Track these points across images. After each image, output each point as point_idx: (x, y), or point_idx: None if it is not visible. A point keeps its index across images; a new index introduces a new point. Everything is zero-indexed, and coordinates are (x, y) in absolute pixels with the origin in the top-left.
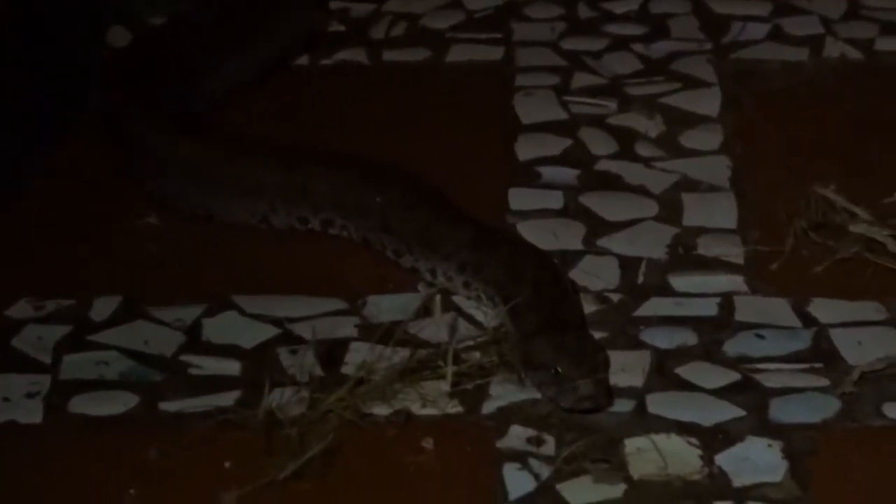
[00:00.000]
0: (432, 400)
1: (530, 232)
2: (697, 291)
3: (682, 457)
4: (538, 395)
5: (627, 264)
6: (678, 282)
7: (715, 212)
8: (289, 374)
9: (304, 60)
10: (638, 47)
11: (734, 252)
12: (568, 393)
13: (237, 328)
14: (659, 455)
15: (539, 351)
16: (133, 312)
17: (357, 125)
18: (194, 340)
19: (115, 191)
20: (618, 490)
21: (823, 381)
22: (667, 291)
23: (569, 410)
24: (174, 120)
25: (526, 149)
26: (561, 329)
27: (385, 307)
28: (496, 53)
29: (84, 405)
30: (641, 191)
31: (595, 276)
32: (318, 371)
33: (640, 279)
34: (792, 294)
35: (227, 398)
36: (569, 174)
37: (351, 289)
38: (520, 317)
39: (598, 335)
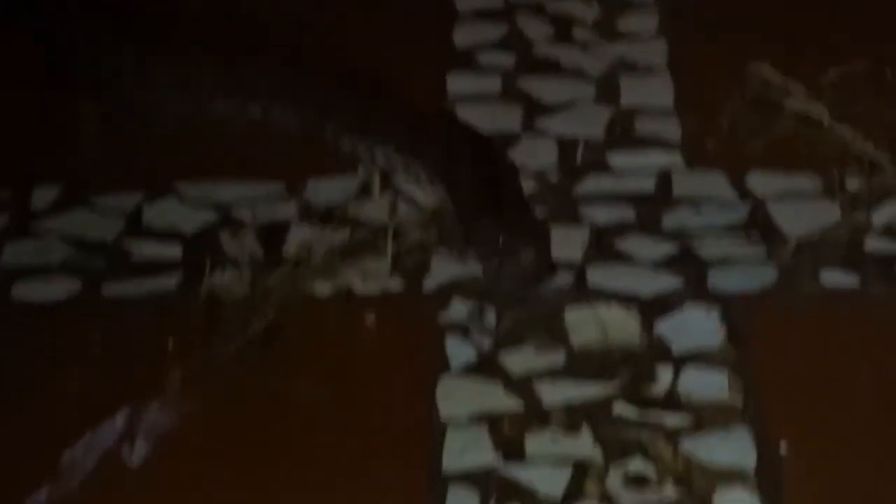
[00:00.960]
0: (373, 278)
1: (469, 115)
2: (636, 168)
3: (621, 326)
4: (479, 271)
5: (565, 145)
6: (616, 159)
7: (652, 92)
8: (230, 257)
9: None
10: None
11: (671, 130)
12: (510, 263)
13: (177, 213)
14: (599, 325)
15: (481, 225)
16: (74, 200)
17: (296, 14)
18: (135, 226)
19: (54, 82)
20: (559, 359)
21: (761, 252)
22: (605, 169)
23: (511, 281)
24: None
25: (463, 35)
26: (501, 204)
27: (325, 190)
28: None
29: (27, 292)
30: (579, 74)
31: (533, 157)
32: (259, 253)
33: (579, 159)
34: (728, 168)
35: (169, 282)
36: (506, 59)
37: (290, 171)
38: (459, 194)
39: (537, 213)
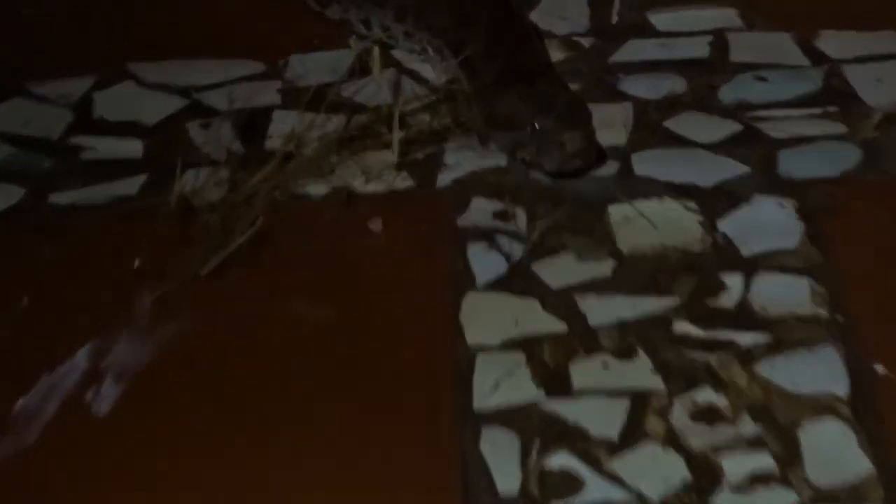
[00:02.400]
0: (377, 174)
1: None
2: (684, 29)
3: (678, 224)
4: (504, 161)
5: (598, 1)
6: (660, 19)
7: None
8: (203, 153)
9: None
10: None
11: None
12: (551, 152)
13: (136, 101)
14: (651, 223)
15: (507, 105)
16: (8, 89)
17: None
18: (85, 118)
19: None
20: (605, 267)
21: (840, 128)
22: (647, 31)
23: (553, 174)
24: None
25: None
26: (528, 78)
27: (312, 67)
28: None
29: None
30: None
31: (560, 18)
32: (238, 147)
33: (615, 18)
34: (795, 27)
35: (131, 185)
36: None
37: (269, 48)
38: (476, 68)
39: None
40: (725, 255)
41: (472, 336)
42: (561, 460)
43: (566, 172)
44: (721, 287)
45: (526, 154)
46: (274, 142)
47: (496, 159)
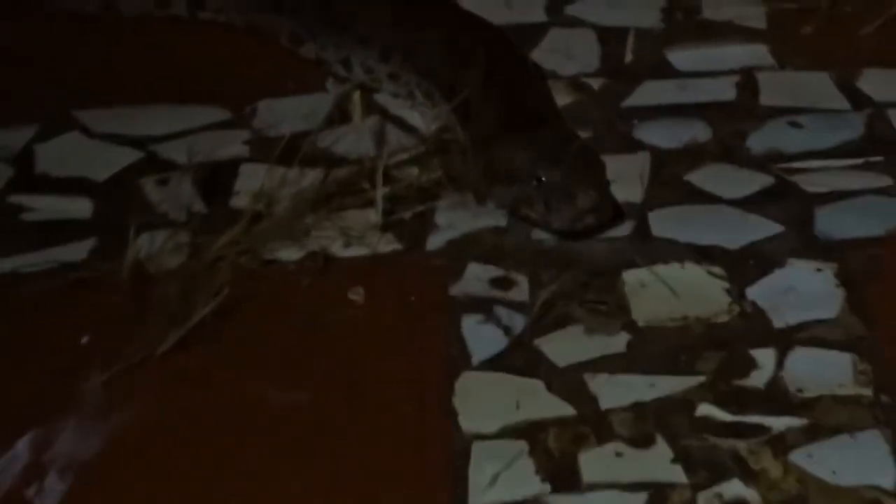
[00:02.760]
0: (358, 236)
1: (475, 1)
2: (707, 69)
3: (702, 292)
4: (503, 221)
5: (609, 37)
6: (680, 57)
7: None
8: (160, 213)
9: None
10: None
11: (753, 13)
12: (561, 208)
13: (83, 154)
14: (671, 291)
15: (508, 155)
16: None
17: None
18: (26, 174)
19: None
20: (618, 342)
21: (885, 181)
22: (666, 71)
23: (563, 234)
24: None
25: None
26: (532, 124)
27: (284, 114)
28: None
29: None
30: None
31: (567, 56)
32: (200, 206)
33: (629, 56)
34: (834, 65)
35: (78, 250)
36: None
37: (235, 92)
38: (472, 115)
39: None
40: (755, 327)
41: (468, 422)
42: None
43: (577, 232)
44: (751, 364)
45: (531, 211)
46: (241, 199)
47: (494, 219)
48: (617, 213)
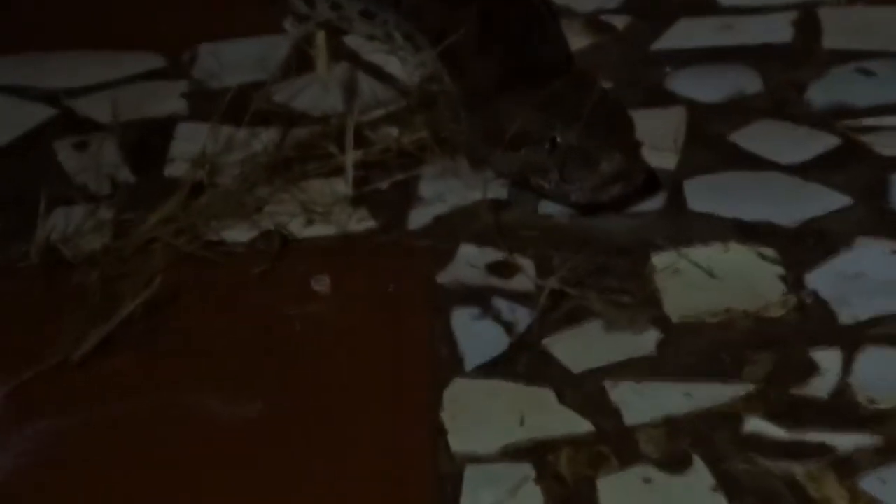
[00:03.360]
0: (323, 211)
1: None
2: (757, 3)
3: (750, 279)
4: (504, 192)
5: None
6: None
7: None
8: (77, 184)
9: None
10: None
11: None
12: (581, 176)
13: None
14: (711, 279)
15: (513, 113)
16: None
17: None
18: None
19: None
20: (647, 342)
21: None
22: (706, 7)
23: (583, 207)
24: None
25: None
26: (542, 76)
27: (231, 61)
28: None
29: None
30: None
31: None
32: (127, 175)
33: None
34: None
35: None
36: None
37: (170, 35)
38: (466, 62)
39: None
40: (817, 323)
41: (460, 441)
42: None
43: (601, 204)
44: (811, 368)
45: (543, 181)
46: (177, 167)
47: (493, 189)
48: (649, 180)
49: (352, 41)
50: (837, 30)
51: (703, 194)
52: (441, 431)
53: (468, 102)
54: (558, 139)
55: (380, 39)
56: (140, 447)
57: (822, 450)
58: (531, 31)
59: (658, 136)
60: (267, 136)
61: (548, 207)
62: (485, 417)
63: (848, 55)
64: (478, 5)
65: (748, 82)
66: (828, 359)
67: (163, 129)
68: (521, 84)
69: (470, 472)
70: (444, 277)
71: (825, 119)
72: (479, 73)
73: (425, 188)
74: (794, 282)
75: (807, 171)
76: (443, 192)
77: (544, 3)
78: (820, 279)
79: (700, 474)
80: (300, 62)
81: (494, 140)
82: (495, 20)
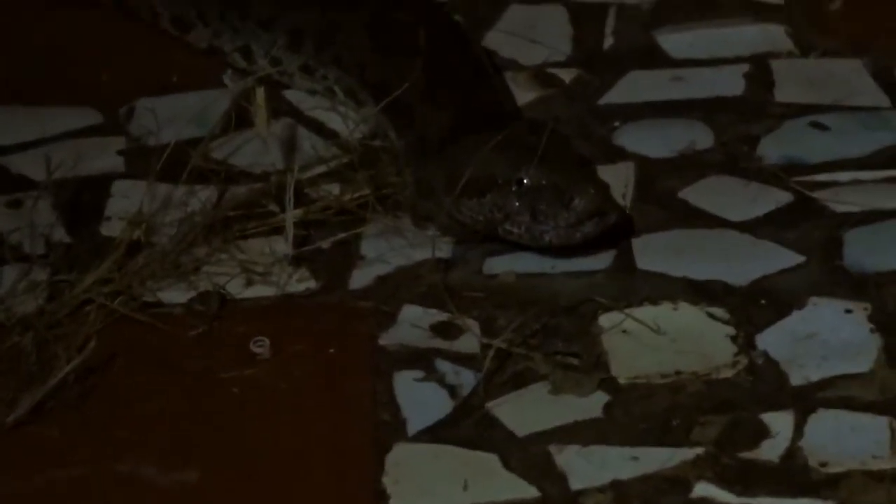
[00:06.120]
0: (263, 271)
1: None
2: (708, 56)
3: (700, 340)
4: (449, 251)
5: (584, 16)
6: (674, 41)
7: None
8: (10, 244)
9: None
10: None
11: None
12: (554, 214)
13: None
14: (660, 340)
15: (472, 157)
16: None
17: None
18: None
19: None
20: (594, 405)
21: None
22: (656, 59)
23: (557, 246)
24: None
25: None
26: (497, 124)
27: (168, 116)
28: None
29: None
30: None
31: (529, 41)
32: (62, 235)
33: (609, 40)
34: (869, 50)
35: None
36: None
37: (107, 90)
38: (412, 116)
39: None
40: (767, 384)
41: None
42: None
43: (576, 244)
44: (762, 431)
45: (513, 226)
46: (113, 227)
47: (437, 248)
48: (624, 218)
49: (293, 96)
50: (791, 82)
51: (652, 252)
52: (383, 497)
53: (418, 155)
54: (525, 180)
55: (321, 94)
56: None
57: None
58: (478, 80)
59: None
60: (205, 194)
61: (493, 266)
62: (428, 483)
63: (801, 109)
64: (423, 58)
65: (699, 136)
66: (779, 421)
67: (99, 186)
68: (476, 131)
69: None
70: (386, 339)
71: (777, 175)
72: (429, 123)
73: (367, 247)
74: (744, 342)
75: (758, 228)
76: (385, 251)
77: (486, 56)
78: (771, 339)
79: None
80: (239, 118)
81: (454, 189)
82: (442, 71)
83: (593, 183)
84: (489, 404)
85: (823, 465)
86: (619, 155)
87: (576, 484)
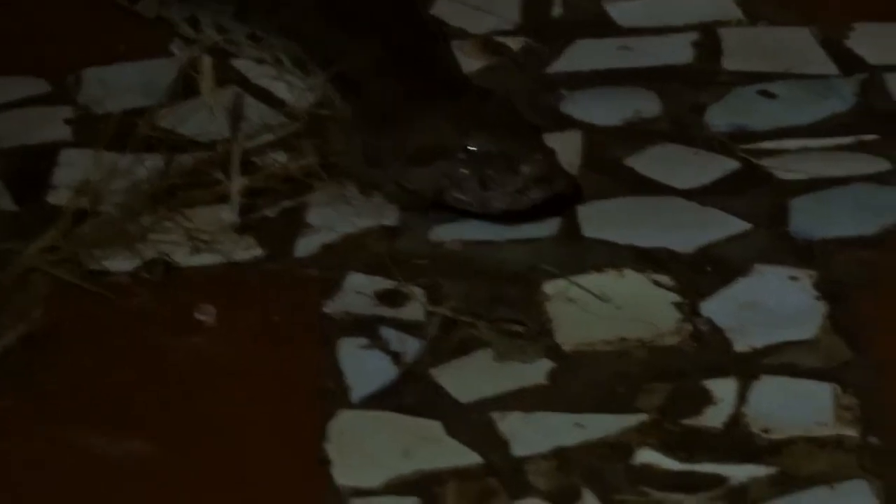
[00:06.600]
0: (209, 239)
1: None
2: (657, 24)
3: (644, 308)
4: (394, 219)
5: None
6: (623, 10)
7: None
8: None
9: None
10: None
11: None
12: (502, 181)
13: None
14: (605, 307)
15: (423, 127)
16: None
17: None
18: None
19: None
20: (538, 372)
21: (880, 164)
22: (604, 28)
23: (505, 214)
24: None
25: None
26: (446, 92)
27: (115, 85)
28: None
29: None
30: None
31: (477, 9)
32: (7, 203)
33: (558, 10)
34: (818, 19)
35: None
36: None
37: (54, 59)
38: (360, 84)
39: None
40: (712, 351)
41: (344, 474)
42: None
43: (525, 210)
44: (705, 398)
45: (461, 193)
46: (60, 195)
47: (382, 216)
48: (572, 184)
49: (240, 64)
50: (739, 51)
51: (598, 220)
52: (326, 464)
53: (365, 123)
54: (473, 147)
55: (268, 63)
56: (22, 486)
57: (716, 481)
58: (426, 49)
59: None
60: (152, 163)
61: (438, 235)
62: (370, 450)
63: (749, 77)
64: (371, 26)
65: (646, 105)
66: (723, 388)
67: (46, 155)
68: (429, 100)
69: None
70: (331, 307)
71: (725, 143)
72: (377, 91)
73: (313, 215)
74: (689, 310)
75: (705, 196)
76: (331, 219)
77: (436, 25)
78: (716, 307)
79: None
80: (186, 87)
81: (402, 157)
82: (390, 40)
83: (541, 149)
84: (433, 371)
85: (766, 431)
86: (566, 123)
87: (519, 450)
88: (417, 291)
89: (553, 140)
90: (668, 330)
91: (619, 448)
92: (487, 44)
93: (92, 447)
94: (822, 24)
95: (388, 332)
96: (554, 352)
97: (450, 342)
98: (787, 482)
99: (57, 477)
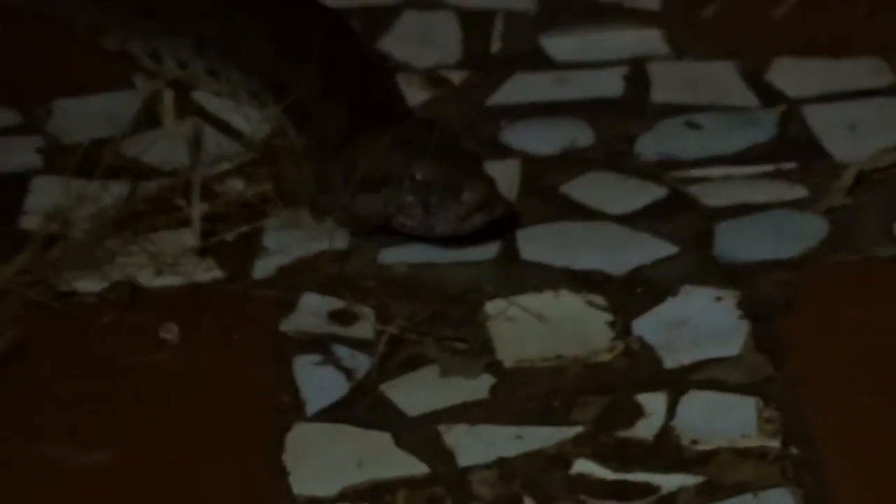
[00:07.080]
0: (171, 262)
1: None
2: (590, 59)
3: (579, 326)
4: (346, 243)
5: (473, 21)
6: (558, 45)
7: None
8: None
9: None
10: None
11: None
12: (444, 207)
13: None
14: (543, 326)
15: (371, 156)
16: None
17: None
18: None
19: None
20: (480, 387)
21: (799, 192)
22: (540, 62)
23: (449, 239)
24: None
25: None
26: (392, 122)
27: (83, 117)
28: None
29: None
30: None
31: (421, 44)
32: None
33: (497, 44)
34: (740, 54)
35: None
36: None
37: (25, 91)
38: (311, 115)
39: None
40: (643, 367)
41: (301, 483)
42: None
43: (465, 234)
44: (637, 412)
45: (407, 218)
46: (31, 220)
47: (334, 240)
48: (510, 211)
49: (200, 97)
50: (666, 84)
51: (536, 243)
52: (283, 474)
53: (316, 152)
54: (418, 175)
55: (225, 95)
56: None
57: (647, 489)
58: (371, 81)
59: None
60: (117, 190)
61: (386, 258)
62: (325, 460)
63: (677, 109)
64: (318, 61)
65: (581, 135)
66: (653, 402)
67: (17, 183)
68: (370, 129)
69: None
70: (287, 325)
71: (654, 171)
72: (326, 122)
73: (269, 239)
74: (622, 328)
75: (636, 220)
76: (286, 243)
77: (379, 58)
78: (646, 325)
79: None
80: (149, 118)
81: (350, 184)
82: (337, 73)
83: (481, 177)
84: (383, 386)
85: (694, 442)
86: (505, 152)
87: (463, 461)
88: (367, 311)
89: (493, 168)
90: (601, 347)
91: (557, 458)
92: (431, 77)
93: (57, 458)
94: (744, 58)
95: (340, 350)
96: (495, 368)
97: (398, 359)
98: (713, 490)
99: (20, 485)
